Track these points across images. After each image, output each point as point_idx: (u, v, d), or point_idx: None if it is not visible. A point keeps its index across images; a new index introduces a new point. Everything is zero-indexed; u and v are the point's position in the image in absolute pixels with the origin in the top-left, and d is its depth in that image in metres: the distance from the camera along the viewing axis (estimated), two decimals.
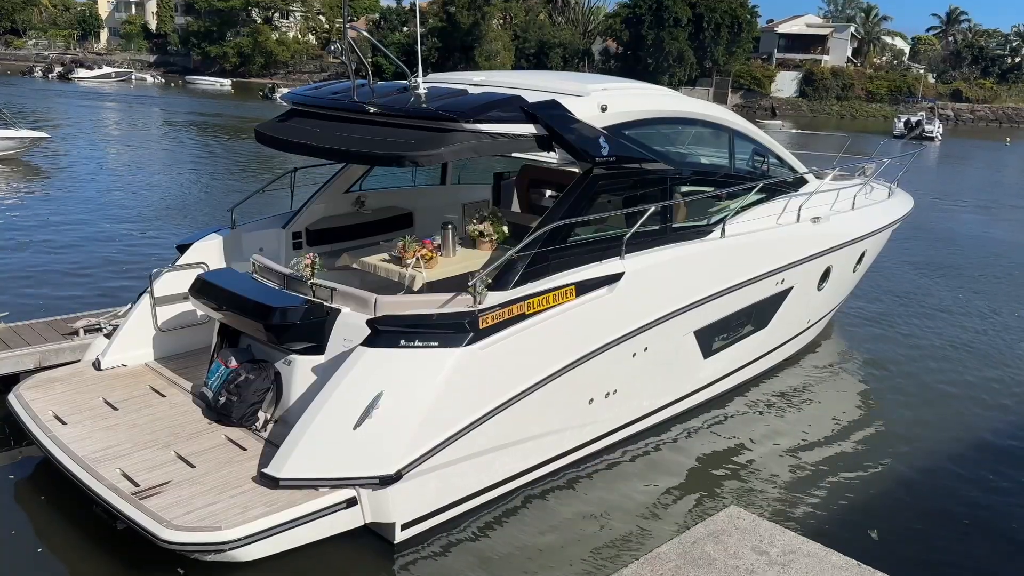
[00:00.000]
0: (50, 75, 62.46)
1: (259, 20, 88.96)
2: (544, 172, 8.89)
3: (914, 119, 56.83)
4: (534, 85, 7.66)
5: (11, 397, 7.18)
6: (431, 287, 7.03)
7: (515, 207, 9.44)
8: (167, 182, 23.10)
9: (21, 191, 20.78)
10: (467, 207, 9.51)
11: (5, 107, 27.38)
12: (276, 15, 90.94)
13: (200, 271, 7.74)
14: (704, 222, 8.49)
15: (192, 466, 6.11)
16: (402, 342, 6.03)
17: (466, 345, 6.09)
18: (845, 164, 11.92)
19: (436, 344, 6.05)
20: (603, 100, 7.32)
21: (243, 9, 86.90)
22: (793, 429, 8.86)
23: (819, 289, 10.09)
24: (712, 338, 8.60)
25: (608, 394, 7.44)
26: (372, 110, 6.83)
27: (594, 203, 7.25)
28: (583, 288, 6.87)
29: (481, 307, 6.26)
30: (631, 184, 7.61)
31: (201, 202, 20.48)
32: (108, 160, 27.72)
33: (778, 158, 9.65)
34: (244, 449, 6.38)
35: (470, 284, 6.30)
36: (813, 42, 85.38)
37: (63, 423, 6.71)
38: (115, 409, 6.99)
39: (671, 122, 8.25)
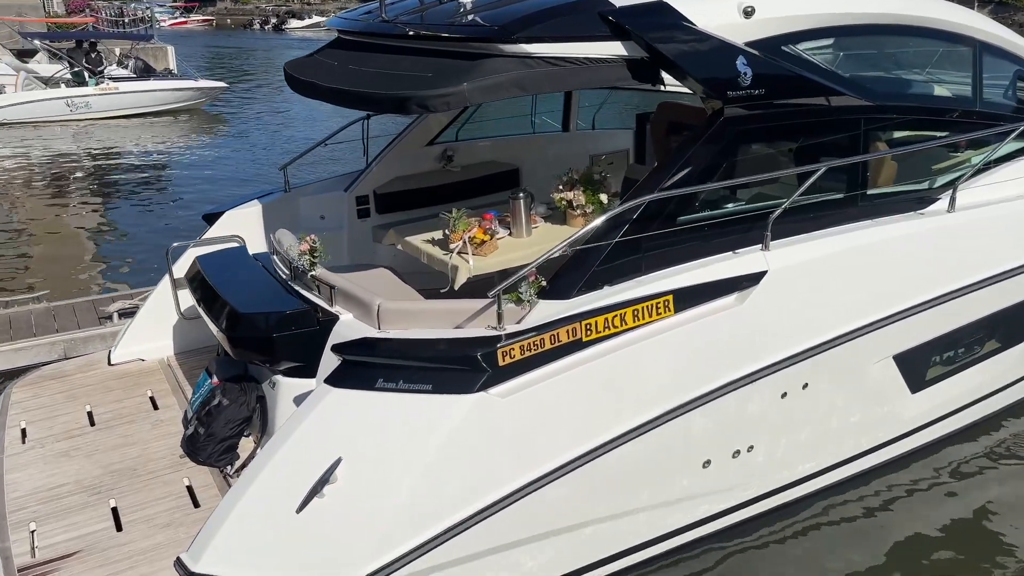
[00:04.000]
0: (266, 27, 65.63)
1: None
2: (688, 112, 6.30)
3: None
4: None
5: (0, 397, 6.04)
6: (487, 283, 4.85)
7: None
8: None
9: (197, 140, 20.90)
10: (596, 160, 7.17)
11: (217, 58, 28.23)
12: None
13: (234, 245, 6.12)
14: (921, 188, 5.54)
15: (119, 529, 4.49)
16: (380, 382, 3.96)
17: (478, 390, 3.90)
18: None
19: (430, 387, 3.92)
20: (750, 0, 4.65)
21: None
22: None
23: None
24: (926, 363, 5.69)
25: (738, 453, 4.91)
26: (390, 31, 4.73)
27: (725, 161, 4.68)
28: (688, 298, 4.39)
29: (510, 330, 4.01)
30: (790, 129, 4.91)
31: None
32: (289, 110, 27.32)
33: None
34: (198, 506, 4.66)
35: (493, 292, 4.05)
36: None
37: (23, 442, 5.40)
38: (92, 425, 5.57)
39: (866, 31, 5.29)
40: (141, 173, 17.55)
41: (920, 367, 5.64)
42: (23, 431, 5.50)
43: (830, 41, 5.11)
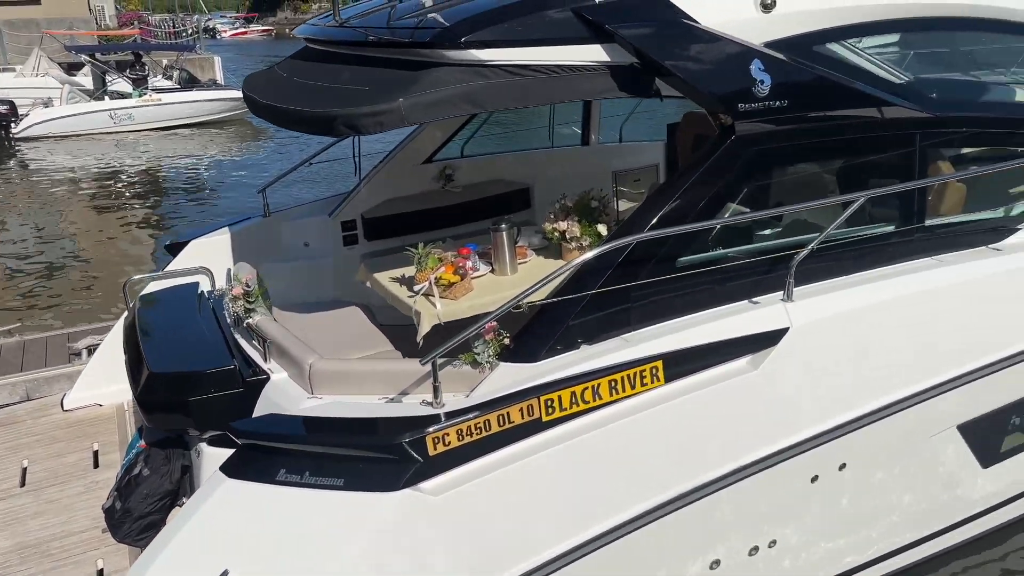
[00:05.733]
0: None
1: None
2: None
3: None
4: None
5: None
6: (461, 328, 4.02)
7: None
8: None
9: (239, 151, 20.58)
10: (620, 177, 6.30)
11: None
12: None
13: (192, 281, 5.44)
14: (993, 217, 4.50)
15: None
16: (283, 472, 3.17)
17: (403, 486, 3.08)
18: None
19: (341, 482, 3.11)
20: None
21: None
22: None
23: None
24: (1001, 432, 4.64)
25: (755, 550, 3.97)
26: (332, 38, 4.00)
27: (735, 190, 3.77)
28: (683, 362, 3.50)
29: (451, 406, 3.18)
30: (821, 149, 3.97)
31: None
32: None
33: None
34: None
35: (429, 357, 3.23)
36: None
37: None
38: (22, 486, 4.95)
39: (922, 26, 4.27)
40: (182, 184, 17.36)
41: (993, 438, 4.60)
42: None
43: (876, 39, 4.14)
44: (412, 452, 3.06)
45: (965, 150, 4.53)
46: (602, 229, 4.70)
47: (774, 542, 3.99)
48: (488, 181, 6.51)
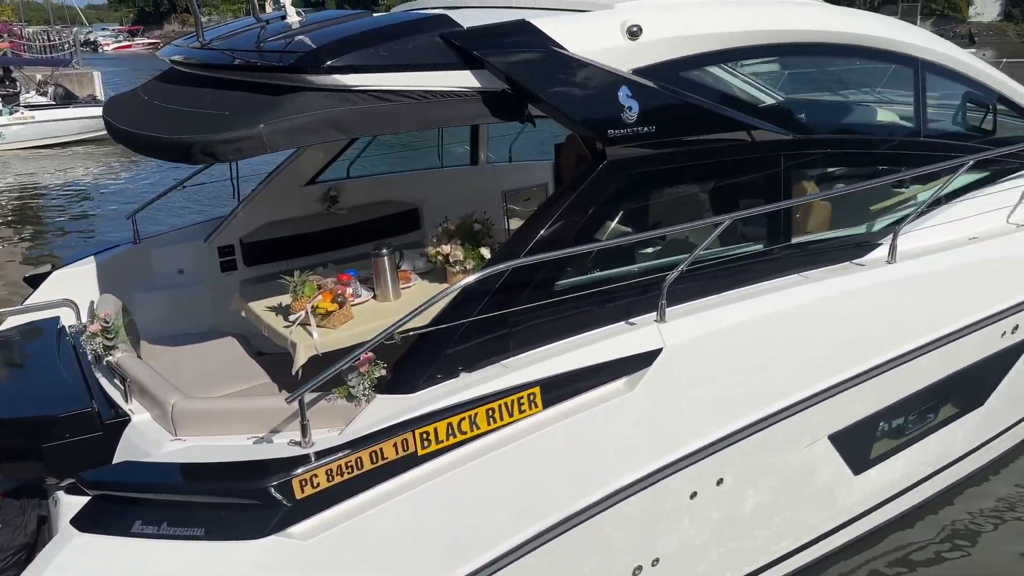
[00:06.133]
0: None
1: None
2: None
3: None
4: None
5: None
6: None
7: None
8: None
9: (117, 171, 19.63)
10: (510, 196, 6.30)
11: None
12: None
13: (52, 316, 5.08)
14: (855, 233, 4.70)
15: None
16: (138, 524, 2.98)
17: (269, 532, 2.94)
18: None
19: (202, 531, 2.94)
20: (634, 17, 3.77)
21: None
22: None
23: None
24: (870, 440, 4.83)
25: (639, 569, 3.99)
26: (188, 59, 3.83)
27: (608, 214, 3.81)
28: (560, 387, 3.50)
29: (321, 446, 3.06)
30: (691, 173, 4.06)
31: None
32: None
33: (1017, 107, 5.41)
34: None
35: (295, 394, 3.10)
36: None
37: None
38: None
39: (784, 51, 4.43)
40: (52, 209, 16.39)
41: (863, 445, 4.78)
42: None
43: (739, 65, 4.27)
44: (278, 496, 2.93)
45: (828, 169, 4.72)
46: (486, 252, 4.65)
47: (657, 560, 4.02)
48: (375, 202, 6.40)
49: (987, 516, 5.65)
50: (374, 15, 4.11)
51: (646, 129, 3.73)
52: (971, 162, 4.57)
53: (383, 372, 3.40)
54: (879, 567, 5.18)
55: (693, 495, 4.02)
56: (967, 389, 5.20)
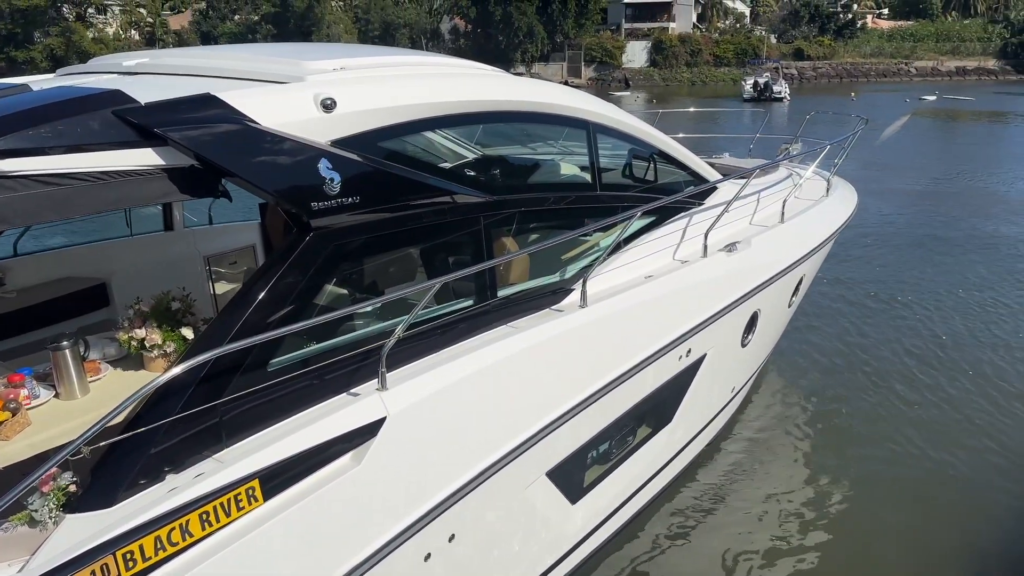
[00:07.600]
0: None
1: (71, 18, 79.32)
2: None
3: (761, 80, 55.08)
4: (223, 68, 3.98)
5: None
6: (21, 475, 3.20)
7: None
8: None
9: None
10: (213, 260, 5.76)
11: None
12: (90, 10, 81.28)
13: None
14: (553, 281, 5.01)
15: None
16: None
17: None
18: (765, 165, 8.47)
19: None
20: (328, 90, 3.67)
21: (51, 7, 76.95)
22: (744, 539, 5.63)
23: (743, 344, 6.80)
24: (581, 470, 5.17)
25: None
26: None
27: (318, 288, 3.65)
28: (281, 474, 3.32)
29: None
30: (398, 239, 4.06)
31: None
32: None
33: (669, 158, 6.08)
34: None
35: None
36: (659, 10, 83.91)
37: None
38: None
39: (471, 120, 4.60)
40: None
41: (576, 475, 5.11)
42: None
43: (433, 134, 4.35)
44: None
45: (524, 225, 4.97)
46: (187, 332, 4.22)
47: None
48: (51, 281, 5.58)
49: (689, 516, 6.36)
50: (34, 90, 3.57)
51: (350, 200, 3.65)
52: (639, 212, 5.10)
53: (72, 487, 2.92)
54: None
55: (427, 557, 4.00)
56: (657, 409, 5.79)
